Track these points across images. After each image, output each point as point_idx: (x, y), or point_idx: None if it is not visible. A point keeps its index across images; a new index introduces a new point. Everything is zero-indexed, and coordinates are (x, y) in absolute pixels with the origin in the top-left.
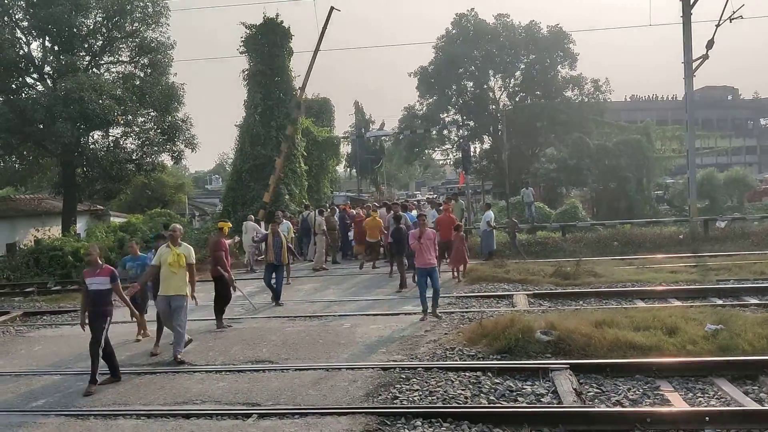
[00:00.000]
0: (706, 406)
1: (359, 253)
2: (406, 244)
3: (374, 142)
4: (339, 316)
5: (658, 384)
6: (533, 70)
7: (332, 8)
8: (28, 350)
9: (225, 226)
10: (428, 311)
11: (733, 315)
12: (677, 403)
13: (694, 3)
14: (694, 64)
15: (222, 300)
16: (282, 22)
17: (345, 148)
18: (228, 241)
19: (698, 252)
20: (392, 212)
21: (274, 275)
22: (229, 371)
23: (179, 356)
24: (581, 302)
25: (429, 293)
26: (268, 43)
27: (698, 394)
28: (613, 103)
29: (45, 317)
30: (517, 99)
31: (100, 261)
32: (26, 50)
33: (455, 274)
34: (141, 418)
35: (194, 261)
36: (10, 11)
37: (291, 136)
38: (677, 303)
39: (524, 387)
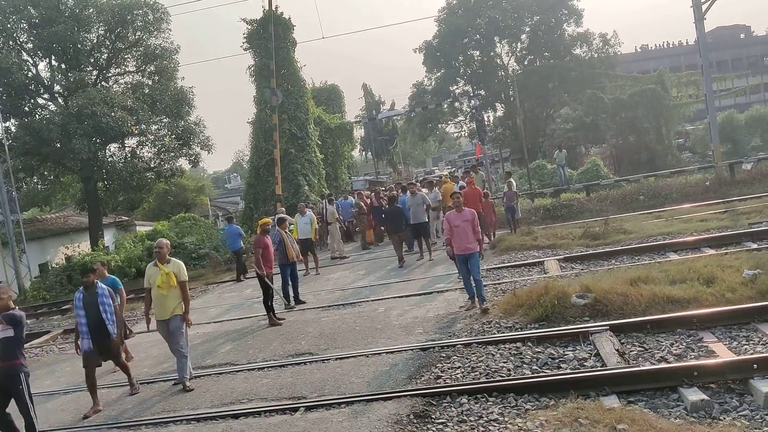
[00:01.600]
0: (752, 354)
1: (371, 242)
2: (402, 222)
3: (387, 123)
4: (372, 300)
5: (700, 336)
6: (539, 32)
7: None
8: (73, 367)
9: (265, 221)
10: (475, 298)
11: None
12: (722, 353)
13: None
14: (704, 6)
15: (267, 294)
16: (282, 13)
17: (358, 132)
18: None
19: (726, 197)
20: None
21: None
22: (272, 367)
23: (187, 383)
24: (613, 261)
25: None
26: (270, 37)
27: (743, 342)
28: (623, 56)
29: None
30: (525, 62)
31: (10, 304)
32: (34, 71)
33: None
34: (191, 422)
35: (186, 277)
36: (14, 35)
37: (276, 124)
38: (711, 252)
39: (566, 353)
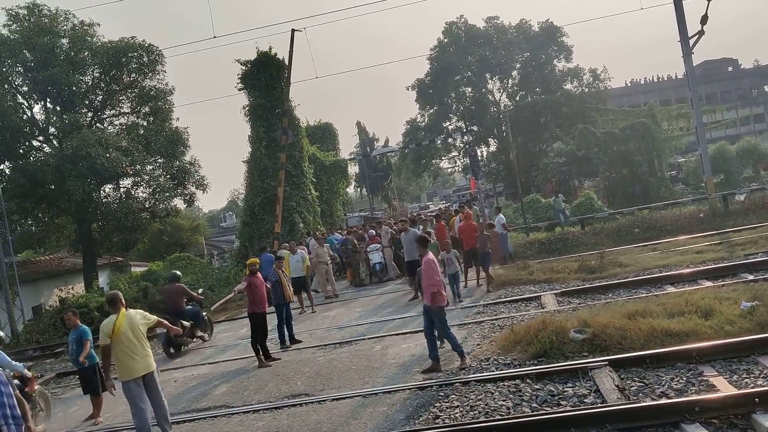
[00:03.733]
0: (753, 388)
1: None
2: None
3: (381, 160)
4: (368, 339)
5: (701, 370)
6: (530, 68)
7: (293, 30)
8: (65, 412)
9: (253, 261)
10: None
11: (767, 289)
12: (723, 387)
13: None
14: (691, 41)
15: (258, 334)
16: (276, 54)
17: (353, 169)
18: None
19: (721, 228)
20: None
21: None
22: (267, 409)
23: None
24: (611, 295)
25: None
26: (264, 77)
27: (743, 375)
28: (614, 90)
29: (78, 377)
30: (517, 98)
31: None
32: (29, 114)
33: (479, 282)
34: None
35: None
36: (9, 78)
37: (284, 162)
38: (708, 284)
39: (565, 390)
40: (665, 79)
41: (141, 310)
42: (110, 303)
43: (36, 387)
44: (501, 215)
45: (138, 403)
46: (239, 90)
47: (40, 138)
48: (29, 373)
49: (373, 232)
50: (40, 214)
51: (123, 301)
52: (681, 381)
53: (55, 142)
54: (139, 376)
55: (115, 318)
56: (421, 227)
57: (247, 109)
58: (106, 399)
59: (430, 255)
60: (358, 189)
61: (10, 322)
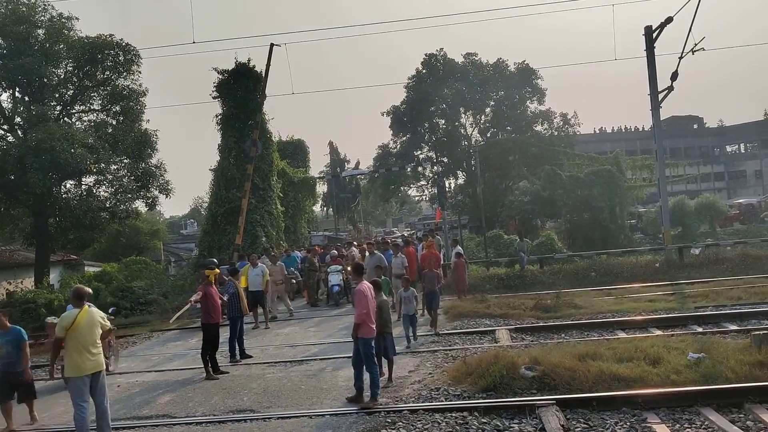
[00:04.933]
0: None
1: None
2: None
3: (350, 181)
4: (320, 359)
5: (645, 416)
6: (503, 106)
7: (272, 45)
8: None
9: (212, 274)
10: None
11: (714, 342)
12: None
13: (657, 36)
14: (660, 96)
15: (209, 346)
16: (254, 67)
17: (321, 188)
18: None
19: (675, 279)
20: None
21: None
22: (210, 422)
23: None
24: (563, 335)
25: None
26: (240, 88)
27: (685, 425)
28: (582, 136)
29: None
30: (488, 134)
31: None
32: None
33: (432, 315)
34: None
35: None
36: None
37: (251, 174)
38: (658, 332)
39: (512, 425)
40: (632, 129)
41: (101, 312)
42: (77, 297)
43: None
44: (459, 247)
45: (80, 402)
46: (214, 98)
47: (5, 127)
48: None
49: (335, 252)
50: None
51: (89, 297)
52: (625, 426)
53: (19, 132)
54: (88, 375)
55: (77, 312)
56: (391, 252)
57: (219, 117)
58: (44, 400)
59: (363, 283)
60: (325, 208)
61: None
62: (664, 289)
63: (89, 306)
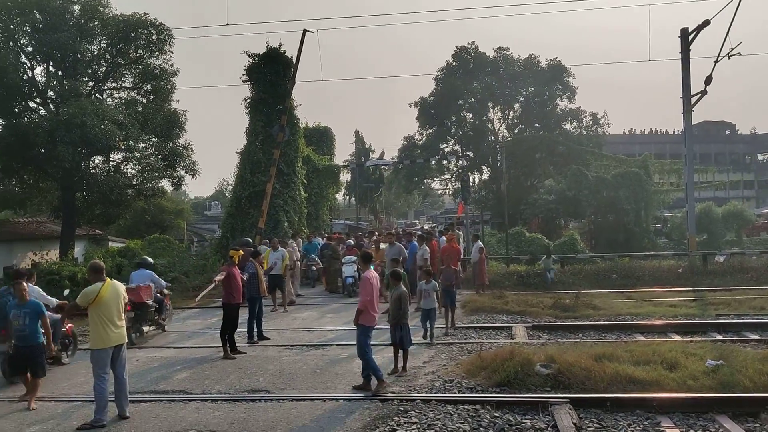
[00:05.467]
0: None
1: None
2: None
3: (374, 171)
4: (336, 345)
5: (658, 420)
6: (532, 103)
7: (305, 30)
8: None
9: (236, 255)
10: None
11: (733, 350)
12: None
13: (693, 39)
14: (693, 99)
15: (229, 325)
16: (285, 51)
17: (345, 177)
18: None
19: (697, 286)
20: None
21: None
22: (225, 400)
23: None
24: (580, 335)
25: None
26: (270, 72)
27: (699, 431)
28: (611, 137)
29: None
30: (516, 131)
31: None
32: (30, 75)
33: (448, 315)
34: None
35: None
36: (16, 36)
37: (277, 159)
38: (677, 337)
39: (524, 421)
40: (663, 133)
41: (123, 285)
42: (96, 271)
43: None
44: (479, 242)
45: (102, 373)
46: (244, 81)
47: (38, 100)
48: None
49: (351, 242)
50: (25, 176)
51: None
52: (638, 428)
53: (51, 106)
54: (111, 347)
55: (101, 285)
56: (415, 244)
57: (248, 101)
58: (66, 369)
59: (370, 271)
60: (347, 197)
61: None
62: (686, 295)
63: (111, 279)
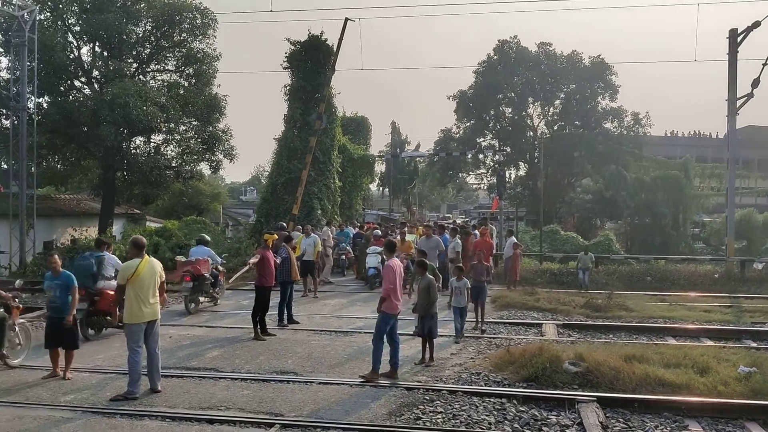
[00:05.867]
0: None
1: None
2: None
3: (409, 163)
4: (365, 332)
5: (686, 423)
6: (573, 100)
7: (346, 19)
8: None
9: (270, 238)
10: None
11: (767, 358)
12: None
13: (742, 41)
14: (738, 102)
15: (260, 307)
16: (326, 40)
17: (379, 167)
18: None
19: (734, 293)
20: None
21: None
22: (255, 380)
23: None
24: (611, 335)
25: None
26: (311, 60)
27: None
28: (652, 138)
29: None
30: (555, 127)
31: None
32: (76, 54)
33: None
34: (166, 420)
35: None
36: (64, 15)
37: (313, 147)
38: (710, 343)
39: (549, 417)
40: (706, 136)
41: (160, 263)
42: (137, 247)
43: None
44: (513, 238)
45: (135, 347)
46: (284, 68)
47: (83, 79)
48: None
49: (379, 232)
50: (68, 153)
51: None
52: (665, 430)
53: (96, 86)
54: (144, 322)
55: (139, 261)
56: (447, 237)
57: (287, 88)
58: (101, 343)
59: (393, 260)
60: (381, 188)
61: (21, 252)
62: (721, 301)
63: (149, 257)
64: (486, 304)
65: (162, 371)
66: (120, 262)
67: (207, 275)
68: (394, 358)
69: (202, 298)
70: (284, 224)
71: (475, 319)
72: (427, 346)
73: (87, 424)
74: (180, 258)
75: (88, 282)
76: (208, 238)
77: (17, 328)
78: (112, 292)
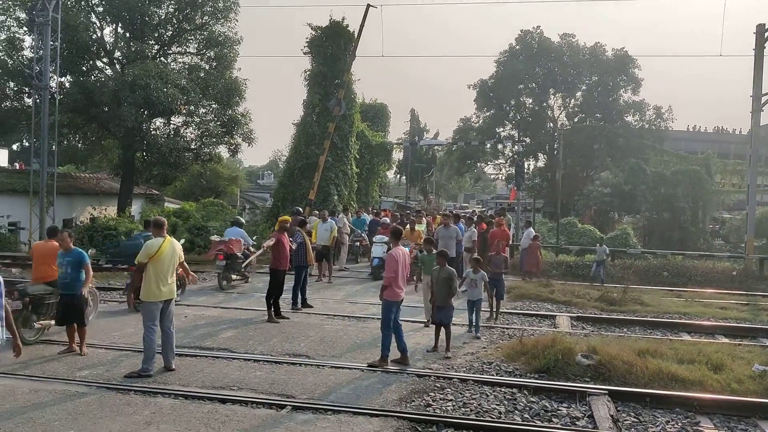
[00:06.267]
0: None
1: None
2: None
3: (427, 151)
4: (377, 319)
5: (698, 420)
6: (595, 92)
7: (368, 5)
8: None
9: (285, 219)
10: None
11: None
12: None
13: None
14: (763, 99)
15: (275, 290)
16: (348, 26)
17: (397, 155)
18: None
19: (751, 290)
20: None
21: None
22: (267, 362)
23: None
24: (625, 330)
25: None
26: (331, 46)
27: None
28: (673, 132)
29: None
30: (575, 119)
31: None
32: (99, 35)
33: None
34: (179, 397)
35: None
36: None
37: (332, 133)
38: (725, 340)
39: (560, 408)
40: (728, 131)
41: (180, 244)
42: (158, 226)
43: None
44: (531, 229)
45: (151, 325)
46: (305, 54)
47: (105, 60)
48: None
49: (387, 220)
50: (88, 133)
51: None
52: (676, 426)
53: (117, 67)
54: (161, 301)
55: (161, 241)
56: (462, 225)
57: (307, 73)
58: (116, 320)
59: (398, 248)
60: (398, 175)
61: (41, 228)
62: (738, 299)
63: (170, 237)
64: (503, 299)
65: (177, 350)
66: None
67: (239, 254)
68: (400, 344)
69: (234, 276)
70: (300, 209)
71: (489, 310)
72: (443, 335)
73: (101, 400)
74: (215, 237)
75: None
76: (242, 220)
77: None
78: None
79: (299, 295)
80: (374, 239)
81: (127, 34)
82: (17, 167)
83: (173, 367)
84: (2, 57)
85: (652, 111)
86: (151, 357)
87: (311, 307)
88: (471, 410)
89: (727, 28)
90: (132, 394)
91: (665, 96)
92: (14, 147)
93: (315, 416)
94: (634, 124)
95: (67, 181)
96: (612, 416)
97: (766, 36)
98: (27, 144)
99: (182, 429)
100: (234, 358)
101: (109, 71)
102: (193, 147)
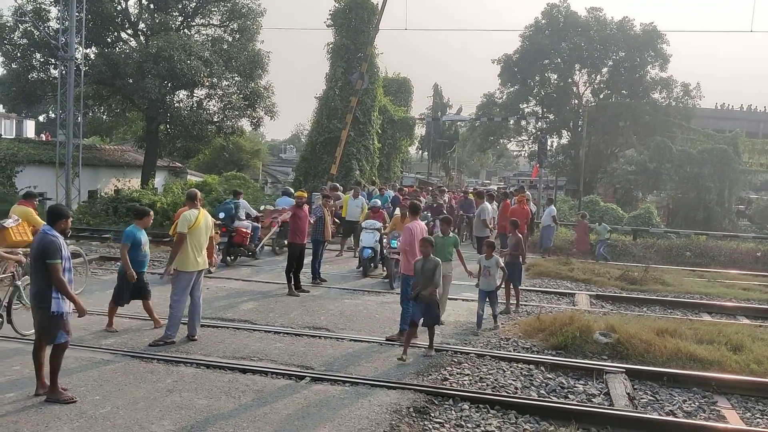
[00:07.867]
0: (764, 428)
1: None
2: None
3: (449, 127)
4: (396, 294)
5: (715, 399)
6: (621, 68)
7: None
8: (102, 292)
9: (302, 195)
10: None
11: None
12: (734, 420)
13: None
14: None
15: (294, 264)
16: None
17: (419, 130)
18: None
19: None
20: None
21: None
22: (287, 334)
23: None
24: (645, 309)
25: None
26: (355, 19)
27: (757, 415)
28: (701, 110)
29: (118, 263)
30: (601, 96)
31: None
32: (123, 6)
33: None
34: (200, 367)
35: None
36: None
37: (354, 107)
38: (746, 321)
39: (576, 385)
40: (759, 110)
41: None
42: (192, 199)
43: None
44: (552, 207)
45: (182, 295)
46: (328, 26)
47: (129, 31)
48: None
49: (378, 203)
50: (113, 105)
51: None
52: (693, 405)
53: (142, 39)
54: (195, 270)
55: (198, 213)
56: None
57: (330, 46)
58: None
59: (414, 223)
60: (420, 151)
61: (66, 199)
62: (762, 280)
63: (203, 209)
64: (520, 287)
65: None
66: (251, 207)
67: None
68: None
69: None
70: (337, 185)
71: (505, 302)
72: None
73: (126, 367)
74: (268, 207)
75: (227, 221)
76: (291, 190)
77: None
78: (244, 230)
79: (317, 269)
80: (363, 224)
81: (151, 5)
82: (43, 138)
83: (196, 336)
84: (29, 28)
85: (680, 88)
86: (176, 323)
87: (325, 280)
88: (487, 385)
89: (759, 3)
90: (155, 362)
91: (693, 73)
92: (41, 118)
93: (333, 387)
94: (660, 102)
95: (92, 153)
96: (628, 394)
97: None
98: (53, 115)
99: (203, 397)
100: (255, 330)
101: (133, 43)
102: (215, 120)
